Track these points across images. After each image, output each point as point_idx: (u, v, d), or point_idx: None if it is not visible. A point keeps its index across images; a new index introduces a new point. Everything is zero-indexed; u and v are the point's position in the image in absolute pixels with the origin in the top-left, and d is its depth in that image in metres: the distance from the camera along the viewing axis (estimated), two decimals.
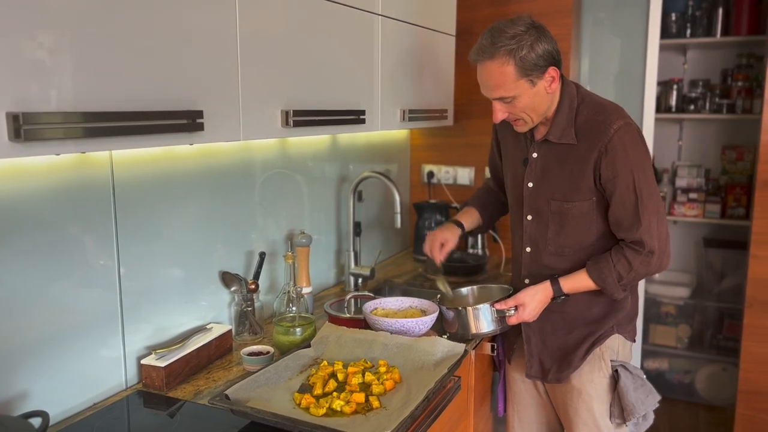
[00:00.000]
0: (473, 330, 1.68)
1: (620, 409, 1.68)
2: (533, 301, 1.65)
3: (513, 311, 1.65)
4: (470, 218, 1.99)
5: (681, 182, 3.39)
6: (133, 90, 1.09)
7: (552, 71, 1.56)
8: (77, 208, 1.34)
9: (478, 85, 1.61)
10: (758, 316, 2.63)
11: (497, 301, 1.67)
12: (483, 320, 1.67)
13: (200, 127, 1.20)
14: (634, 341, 1.80)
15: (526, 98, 1.57)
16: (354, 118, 1.79)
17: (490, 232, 2.60)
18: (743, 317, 2.68)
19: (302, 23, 1.56)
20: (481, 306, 1.67)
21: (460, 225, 1.95)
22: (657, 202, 1.60)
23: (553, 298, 1.67)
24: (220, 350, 1.65)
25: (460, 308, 1.69)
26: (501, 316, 1.66)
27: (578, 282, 1.64)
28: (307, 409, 1.33)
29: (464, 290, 1.90)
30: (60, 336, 1.32)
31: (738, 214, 3.22)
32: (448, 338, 1.65)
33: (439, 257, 1.89)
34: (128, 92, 1.08)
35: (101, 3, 1.03)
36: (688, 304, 3.49)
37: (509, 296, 1.68)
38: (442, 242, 1.89)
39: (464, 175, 2.83)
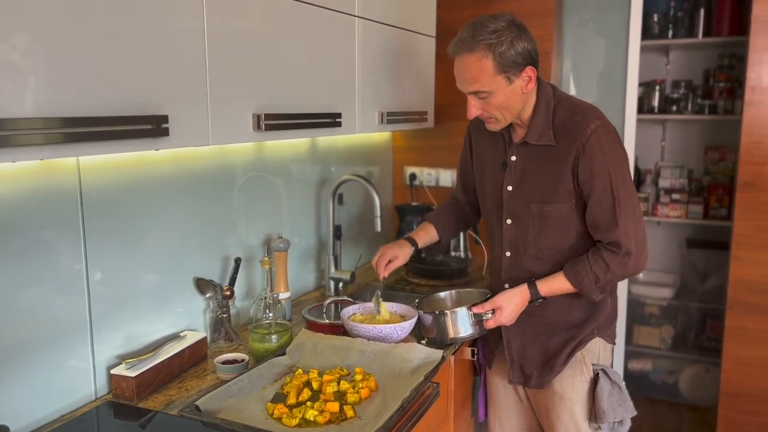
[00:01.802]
0: (451, 334, 1.66)
1: (595, 412, 1.67)
2: (510, 304, 1.63)
3: (490, 315, 1.64)
4: (426, 235, 1.96)
5: (664, 183, 3.40)
6: (93, 95, 1.06)
7: (529, 71, 1.55)
8: (43, 215, 1.30)
9: (456, 84, 1.60)
10: (739, 317, 2.63)
11: (474, 305, 1.65)
12: (461, 324, 1.65)
13: (165, 133, 1.16)
14: (614, 344, 1.79)
15: (501, 95, 1.56)
16: (330, 121, 1.76)
17: (472, 234, 2.58)
18: (725, 318, 2.68)
19: (275, 25, 1.53)
20: (458, 310, 1.65)
21: (413, 242, 1.93)
22: (634, 203, 1.59)
23: (531, 301, 1.65)
24: (194, 358, 1.62)
25: (437, 312, 1.67)
26: (479, 320, 1.65)
27: (555, 284, 1.63)
28: (279, 419, 1.30)
29: (442, 294, 1.89)
30: (25, 345, 1.29)
31: (720, 214, 3.23)
32: (427, 343, 1.63)
33: (384, 273, 1.86)
34: (89, 97, 1.05)
35: (60, 4, 0.99)
36: (672, 305, 3.49)
37: (487, 300, 1.66)
38: (391, 258, 1.87)
39: (446, 177, 2.82)
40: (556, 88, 1.68)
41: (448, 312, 1.66)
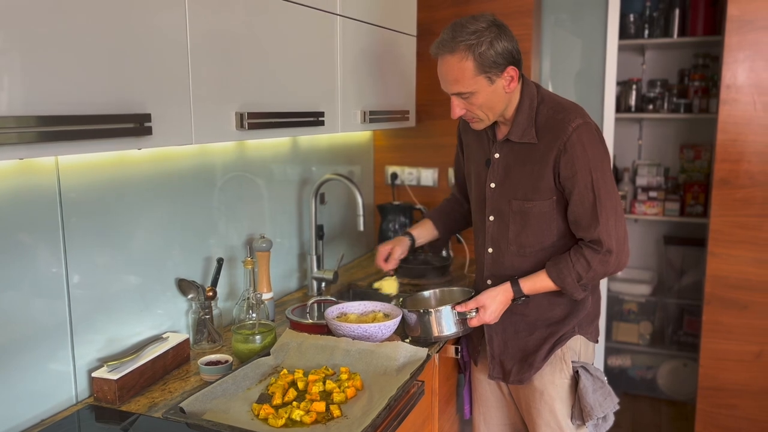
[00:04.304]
0: (435, 333, 1.67)
1: (580, 410, 1.69)
2: (494, 302, 1.64)
3: (474, 313, 1.64)
4: (424, 231, 2.01)
5: (641, 181, 3.44)
6: (74, 93, 1.04)
7: (511, 70, 1.56)
8: (20, 216, 1.28)
9: (440, 84, 1.61)
10: (716, 312, 2.68)
11: (458, 304, 1.66)
12: (445, 323, 1.66)
13: (148, 131, 1.15)
14: (597, 342, 1.80)
15: (483, 95, 1.57)
16: (313, 120, 1.75)
17: None
18: (702, 314, 2.73)
19: (258, 23, 1.52)
20: (442, 308, 1.66)
21: (410, 237, 1.97)
22: (615, 201, 1.61)
23: (514, 299, 1.66)
24: (177, 360, 1.60)
25: (421, 311, 1.67)
26: (462, 319, 1.65)
27: (538, 282, 1.64)
28: (265, 420, 1.29)
29: (426, 293, 1.89)
30: (2, 349, 1.26)
31: (696, 211, 3.28)
32: (411, 342, 1.63)
33: (386, 267, 1.92)
34: (70, 95, 1.03)
35: (41, 1, 0.97)
36: (650, 302, 3.54)
37: (470, 298, 1.67)
38: (389, 253, 1.93)
39: (428, 176, 2.82)
40: (540, 87, 1.69)
41: (432, 311, 1.66)
